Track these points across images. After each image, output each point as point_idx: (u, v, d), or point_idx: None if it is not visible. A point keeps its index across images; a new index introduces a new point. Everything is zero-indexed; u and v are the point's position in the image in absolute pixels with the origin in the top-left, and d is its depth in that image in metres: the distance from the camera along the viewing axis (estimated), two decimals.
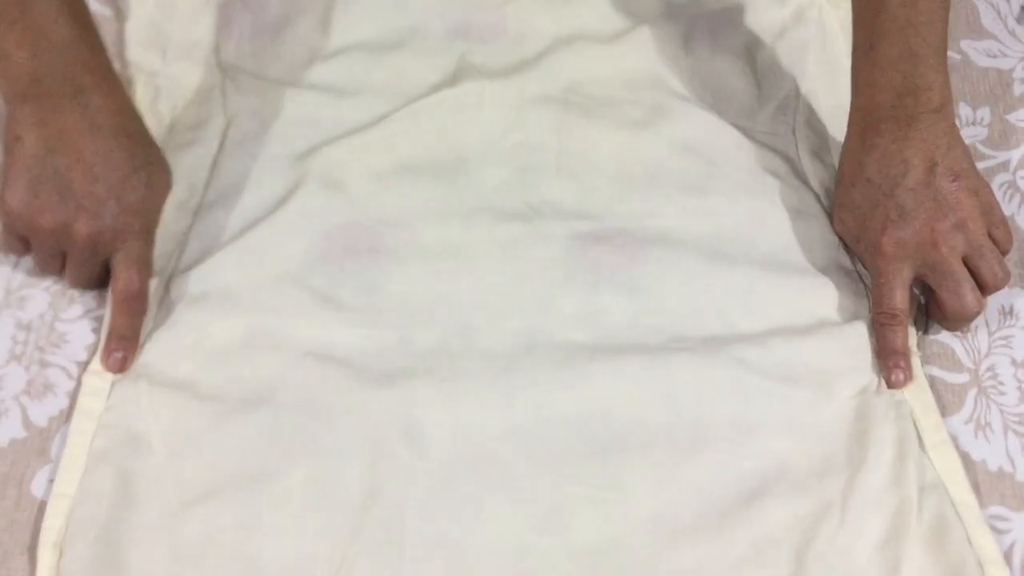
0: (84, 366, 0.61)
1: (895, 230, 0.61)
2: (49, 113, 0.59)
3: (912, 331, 0.62)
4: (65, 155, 0.59)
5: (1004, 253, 0.62)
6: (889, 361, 0.60)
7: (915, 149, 0.60)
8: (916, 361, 0.61)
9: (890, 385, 0.60)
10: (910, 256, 0.61)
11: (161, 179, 0.65)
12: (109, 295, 0.62)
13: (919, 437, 0.58)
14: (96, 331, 0.62)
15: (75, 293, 0.64)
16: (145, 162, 0.63)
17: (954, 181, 0.60)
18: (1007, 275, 0.61)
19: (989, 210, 0.62)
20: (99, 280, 0.63)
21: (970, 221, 0.60)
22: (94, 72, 0.60)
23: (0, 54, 0.58)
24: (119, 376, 0.60)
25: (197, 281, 0.63)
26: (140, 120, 0.64)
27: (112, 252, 0.61)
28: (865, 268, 0.64)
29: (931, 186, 0.60)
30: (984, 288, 0.61)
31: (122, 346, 0.60)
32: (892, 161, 0.61)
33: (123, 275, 0.61)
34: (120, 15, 0.75)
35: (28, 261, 0.64)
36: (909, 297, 0.62)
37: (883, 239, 0.61)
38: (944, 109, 0.61)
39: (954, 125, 0.61)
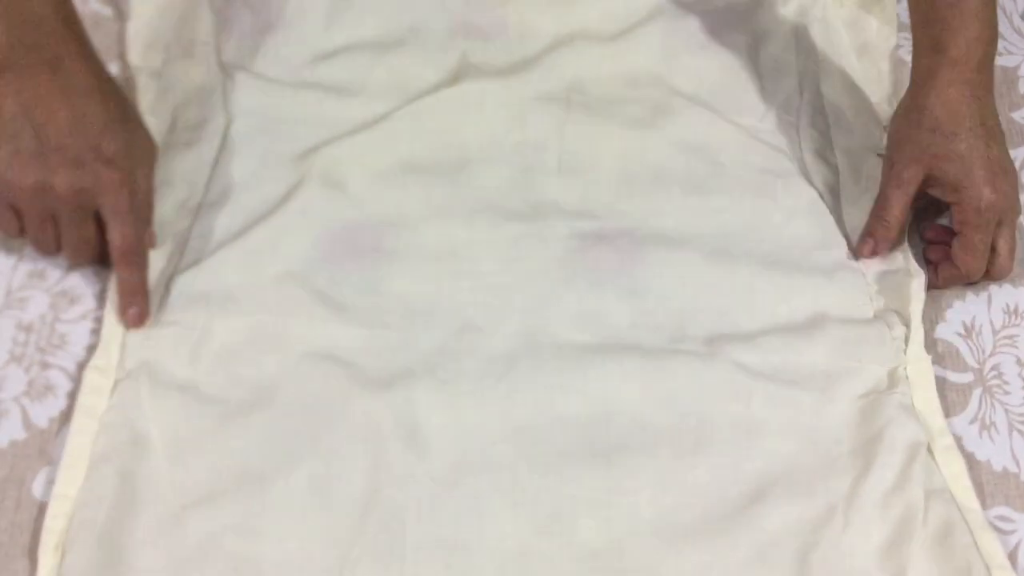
0: (84, 367, 0.60)
1: (1001, 183, 0.63)
2: (25, 80, 0.59)
3: (919, 328, 0.62)
4: (42, 112, 0.59)
5: None
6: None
7: (994, 102, 0.64)
8: (927, 365, 0.61)
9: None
10: (1007, 207, 0.63)
11: (139, 137, 0.64)
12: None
13: (928, 441, 0.58)
14: (96, 332, 0.62)
15: (76, 293, 0.63)
16: (122, 118, 0.62)
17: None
18: None
19: None
20: (97, 249, 0.63)
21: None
22: (68, 43, 0.60)
23: None
24: (121, 375, 0.60)
25: (198, 281, 0.63)
26: (116, 87, 0.63)
27: (99, 206, 0.61)
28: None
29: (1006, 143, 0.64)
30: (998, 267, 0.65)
31: (134, 300, 0.61)
32: (989, 114, 0.63)
33: (116, 230, 0.61)
34: (121, 15, 0.75)
35: (28, 262, 0.64)
36: None
37: (987, 191, 0.62)
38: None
39: None
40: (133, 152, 0.62)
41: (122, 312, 0.61)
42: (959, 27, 0.62)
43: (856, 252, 0.66)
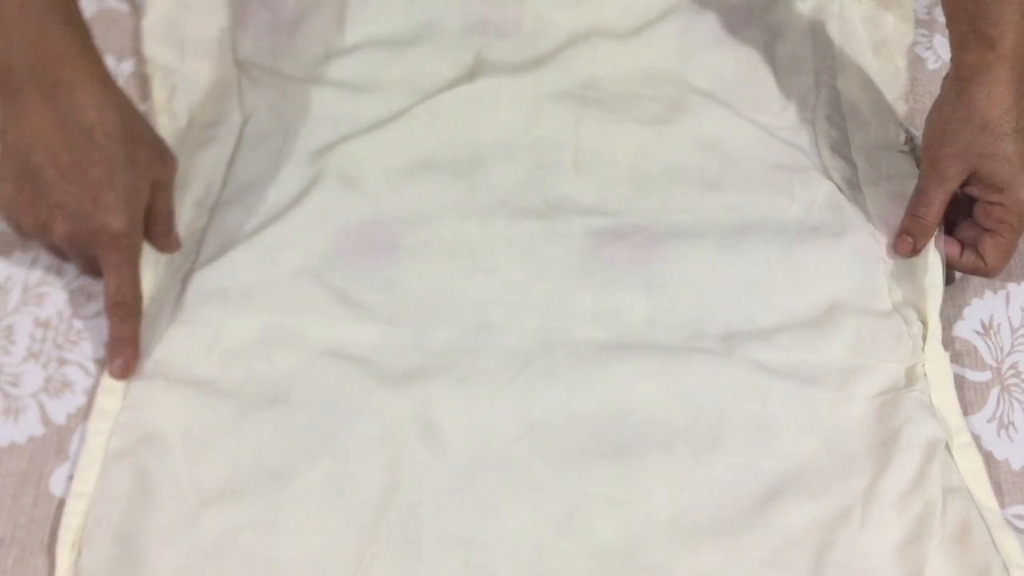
0: (102, 363, 0.61)
1: None
2: (25, 108, 0.57)
3: (937, 324, 0.62)
4: (41, 153, 0.57)
5: None
6: None
7: None
8: (945, 362, 0.61)
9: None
10: None
11: (148, 164, 0.60)
12: None
13: (947, 440, 0.58)
14: None
15: (92, 290, 0.64)
16: (126, 162, 0.59)
17: None
18: None
19: None
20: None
21: None
22: (68, 65, 0.57)
23: None
24: (136, 375, 0.60)
25: (214, 278, 0.63)
26: (125, 112, 0.60)
27: (97, 251, 0.59)
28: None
29: None
30: None
31: (121, 353, 0.59)
32: None
33: (111, 282, 0.59)
34: (137, 10, 0.75)
35: (45, 257, 0.64)
36: None
37: None
38: None
39: None
40: (136, 191, 0.59)
41: (109, 361, 0.60)
42: (1009, 21, 0.60)
43: (894, 249, 0.64)
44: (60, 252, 0.62)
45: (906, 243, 0.64)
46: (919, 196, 0.64)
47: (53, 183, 0.57)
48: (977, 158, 0.62)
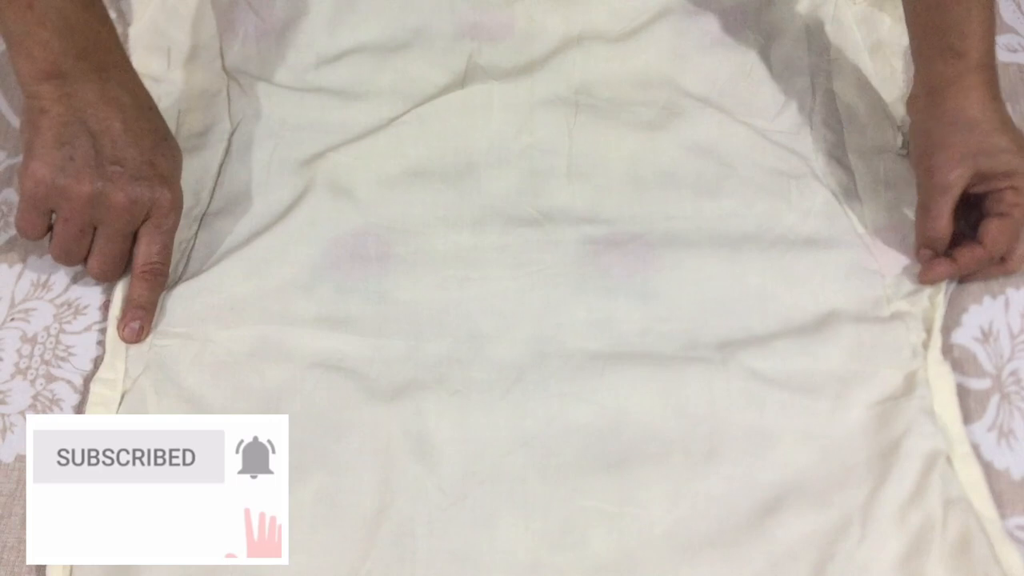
0: (89, 379, 0.60)
1: None
2: (73, 87, 0.58)
3: (938, 330, 0.61)
4: (96, 123, 0.58)
5: None
6: None
7: None
8: (945, 369, 0.60)
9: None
10: None
11: (180, 154, 0.63)
12: (131, 270, 0.62)
13: (947, 450, 0.57)
14: (102, 343, 0.61)
15: (80, 304, 0.63)
16: (167, 134, 0.62)
17: None
18: None
19: None
20: (123, 262, 0.62)
21: None
22: (110, 52, 0.60)
23: (20, 36, 0.57)
24: (127, 387, 0.59)
25: (203, 290, 0.62)
26: (152, 99, 0.63)
27: (149, 216, 0.60)
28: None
29: None
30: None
31: (139, 316, 0.60)
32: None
33: (153, 246, 0.61)
34: (123, 18, 0.74)
35: (31, 272, 0.63)
36: None
37: None
38: None
39: None
40: (177, 166, 0.62)
41: (122, 324, 0.60)
42: (975, 30, 0.61)
43: (916, 258, 0.64)
44: (79, 251, 0.61)
45: (926, 256, 0.64)
46: (924, 212, 0.63)
47: (110, 147, 0.59)
48: (974, 158, 0.61)
